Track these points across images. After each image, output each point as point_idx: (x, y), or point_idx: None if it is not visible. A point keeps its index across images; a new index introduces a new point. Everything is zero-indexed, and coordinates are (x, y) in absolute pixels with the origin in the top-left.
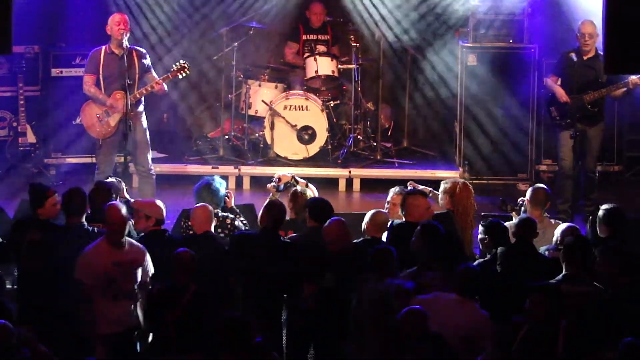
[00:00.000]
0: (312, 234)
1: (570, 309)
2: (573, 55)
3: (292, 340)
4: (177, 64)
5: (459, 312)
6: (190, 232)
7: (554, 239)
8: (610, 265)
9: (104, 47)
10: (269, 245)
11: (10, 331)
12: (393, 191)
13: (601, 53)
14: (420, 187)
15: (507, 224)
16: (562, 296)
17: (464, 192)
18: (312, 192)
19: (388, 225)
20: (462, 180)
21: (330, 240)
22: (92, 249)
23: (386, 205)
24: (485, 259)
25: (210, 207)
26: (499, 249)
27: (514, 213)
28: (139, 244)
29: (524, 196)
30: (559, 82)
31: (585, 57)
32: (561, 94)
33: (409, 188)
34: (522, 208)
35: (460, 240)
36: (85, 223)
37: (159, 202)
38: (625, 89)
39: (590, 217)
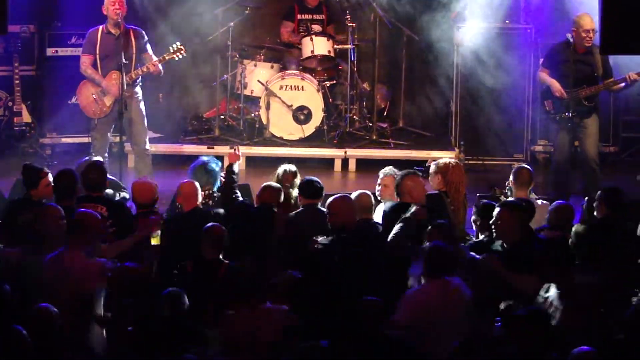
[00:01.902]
0: (305, 211)
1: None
2: (567, 49)
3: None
4: (174, 45)
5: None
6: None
7: (546, 217)
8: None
9: (101, 27)
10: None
11: None
12: (383, 172)
13: (596, 45)
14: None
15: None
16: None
17: (456, 172)
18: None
19: (384, 207)
20: (454, 160)
21: (332, 212)
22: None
23: (377, 187)
24: (479, 239)
25: (196, 183)
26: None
27: (502, 197)
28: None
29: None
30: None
31: (580, 52)
32: (557, 88)
33: (428, 164)
34: (510, 191)
35: (450, 220)
36: (76, 205)
37: (143, 184)
38: (623, 84)
39: (587, 198)
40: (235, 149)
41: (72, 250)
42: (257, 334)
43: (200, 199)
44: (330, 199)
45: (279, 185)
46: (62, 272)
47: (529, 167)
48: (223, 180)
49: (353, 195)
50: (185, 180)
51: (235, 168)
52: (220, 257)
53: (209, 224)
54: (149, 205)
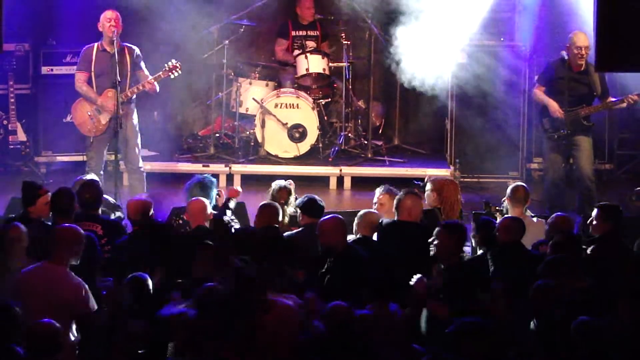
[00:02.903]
0: (306, 231)
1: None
2: (562, 66)
3: None
4: (169, 63)
5: None
6: (182, 230)
7: (545, 229)
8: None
9: (96, 44)
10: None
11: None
12: (379, 190)
13: (592, 64)
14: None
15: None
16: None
17: (451, 190)
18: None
19: (382, 224)
20: (449, 177)
21: (323, 233)
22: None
23: (374, 205)
24: (477, 255)
25: (206, 201)
26: (489, 253)
27: (497, 214)
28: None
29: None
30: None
31: (576, 70)
32: (555, 108)
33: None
34: (505, 209)
35: None
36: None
37: (138, 201)
38: (623, 105)
39: (583, 216)
40: (239, 189)
41: (53, 264)
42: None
43: (207, 217)
44: (321, 219)
45: (277, 205)
46: (41, 286)
47: (524, 184)
48: (213, 212)
49: (360, 213)
50: (194, 198)
51: (232, 204)
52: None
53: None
54: (144, 222)
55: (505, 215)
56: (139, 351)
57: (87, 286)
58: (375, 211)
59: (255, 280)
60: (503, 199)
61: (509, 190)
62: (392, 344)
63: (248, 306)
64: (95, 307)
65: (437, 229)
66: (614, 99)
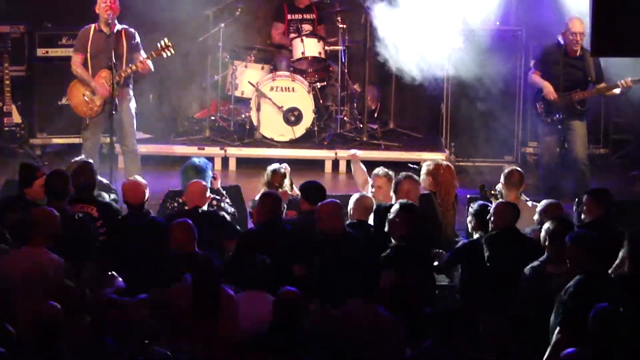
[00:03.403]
0: (306, 217)
1: (556, 289)
2: (557, 51)
3: None
4: (162, 42)
5: None
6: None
7: (535, 216)
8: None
9: (93, 26)
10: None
11: None
12: (376, 173)
13: (588, 50)
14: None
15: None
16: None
17: (447, 174)
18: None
19: (374, 208)
20: (445, 161)
21: (321, 217)
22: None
23: (370, 188)
24: (472, 239)
25: (205, 183)
26: (484, 238)
27: (492, 198)
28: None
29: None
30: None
31: (571, 55)
32: (550, 90)
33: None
34: (500, 193)
35: (439, 221)
36: (69, 207)
37: (133, 184)
38: (617, 90)
39: (577, 200)
40: (214, 175)
41: (31, 247)
42: None
43: (205, 201)
44: (320, 204)
45: (278, 196)
46: (22, 270)
47: (519, 169)
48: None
49: (355, 197)
50: (194, 180)
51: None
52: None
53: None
54: (139, 203)
55: (500, 200)
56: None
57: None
58: (369, 195)
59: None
60: (498, 184)
61: (503, 175)
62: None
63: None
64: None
65: (395, 207)
66: (607, 85)
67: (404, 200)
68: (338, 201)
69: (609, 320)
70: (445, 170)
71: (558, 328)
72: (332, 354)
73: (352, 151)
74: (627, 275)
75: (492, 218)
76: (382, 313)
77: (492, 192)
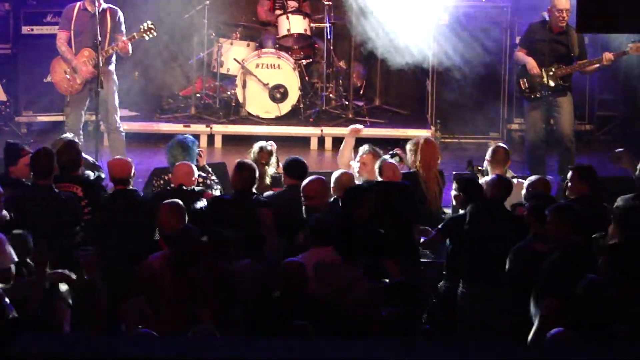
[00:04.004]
0: (289, 192)
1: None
2: (543, 28)
3: None
4: (144, 25)
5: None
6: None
7: (522, 192)
8: (561, 225)
9: (78, 4)
10: (242, 208)
11: None
12: (363, 150)
13: (572, 27)
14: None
15: (481, 181)
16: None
17: (427, 148)
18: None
19: (363, 184)
20: (426, 137)
21: (310, 196)
22: None
23: (356, 165)
24: (458, 214)
25: (193, 166)
26: (469, 206)
27: (479, 174)
28: None
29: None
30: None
31: (556, 31)
32: (533, 65)
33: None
34: (486, 170)
35: (422, 198)
36: (53, 185)
37: (119, 159)
38: (597, 65)
39: (562, 176)
40: (200, 152)
41: None
42: None
43: (191, 182)
44: (306, 182)
45: (254, 165)
46: None
47: (504, 145)
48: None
49: (334, 175)
50: (182, 162)
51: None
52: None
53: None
54: (125, 179)
55: (496, 174)
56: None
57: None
58: (349, 171)
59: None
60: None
61: (489, 152)
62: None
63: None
64: (15, 259)
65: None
66: (589, 60)
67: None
68: (323, 178)
69: (600, 291)
70: (425, 144)
71: (537, 308)
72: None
73: (359, 126)
74: (617, 245)
75: (485, 188)
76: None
77: (479, 167)
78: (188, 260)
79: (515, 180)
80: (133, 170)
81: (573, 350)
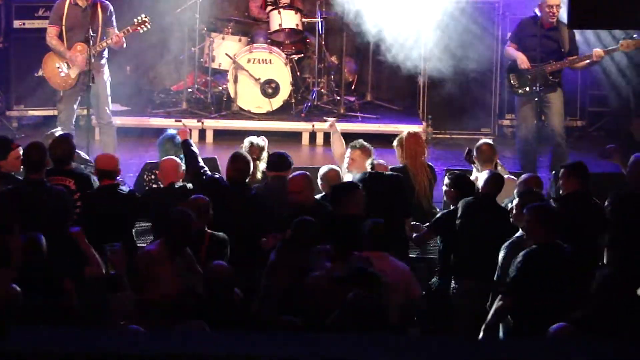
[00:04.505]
0: (273, 184)
1: None
2: (534, 24)
3: None
4: (138, 18)
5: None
6: (154, 186)
7: (515, 190)
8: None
9: None
10: (238, 197)
11: None
12: (352, 146)
13: (563, 22)
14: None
15: (475, 175)
16: None
17: (411, 140)
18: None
19: (353, 178)
20: (412, 130)
21: (294, 190)
22: None
23: (346, 160)
24: (450, 210)
25: (178, 160)
26: (460, 202)
27: (475, 165)
28: None
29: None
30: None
31: (546, 27)
32: (523, 59)
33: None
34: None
35: (411, 191)
36: (45, 179)
37: (105, 154)
38: (588, 61)
39: (553, 173)
40: (182, 125)
41: None
42: None
43: (179, 176)
44: (290, 177)
45: (248, 157)
46: None
47: (489, 141)
48: (185, 155)
49: (321, 171)
50: (167, 157)
51: (191, 142)
52: (206, 227)
53: (194, 196)
54: (111, 172)
55: (489, 170)
56: None
57: None
58: (335, 166)
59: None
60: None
61: (475, 151)
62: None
63: None
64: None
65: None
66: (579, 56)
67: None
68: (307, 173)
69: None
70: (410, 137)
71: (502, 294)
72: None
73: (330, 120)
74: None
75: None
76: None
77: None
78: None
79: (506, 176)
80: (119, 166)
81: (573, 348)
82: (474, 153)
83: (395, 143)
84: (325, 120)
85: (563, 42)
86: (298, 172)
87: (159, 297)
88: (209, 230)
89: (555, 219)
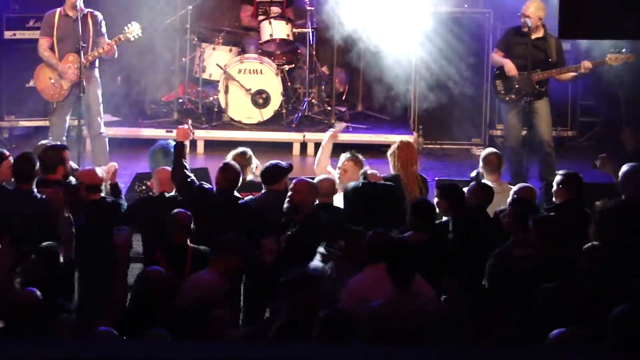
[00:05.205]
0: (268, 196)
1: (522, 272)
2: (521, 33)
3: (250, 301)
4: (129, 26)
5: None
6: (144, 195)
7: (509, 199)
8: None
9: (58, 10)
10: (226, 205)
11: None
12: (345, 157)
13: (551, 34)
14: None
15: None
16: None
17: (404, 150)
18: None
19: (346, 188)
20: (405, 140)
21: (294, 189)
22: None
23: (337, 171)
24: (442, 221)
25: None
26: (451, 215)
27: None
28: None
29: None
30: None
31: (533, 37)
32: (511, 67)
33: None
34: (482, 175)
35: (407, 201)
36: (35, 190)
37: (89, 169)
38: (575, 73)
39: (545, 183)
40: (187, 125)
41: None
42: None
43: (172, 187)
44: (297, 179)
45: (238, 167)
46: None
47: (496, 151)
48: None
49: (315, 180)
50: (161, 167)
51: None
52: (188, 242)
53: (175, 210)
54: (96, 186)
55: (475, 182)
56: None
57: None
58: (330, 177)
59: None
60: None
61: (482, 160)
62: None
63: None
64: None
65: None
66: (567, 67)
67: None
68: (315, 183)
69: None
70: (402, 146)
71: None
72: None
73: (339, 126)
74: (596, 247)
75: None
76: None
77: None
78: None
79: (510, 185)
80: (102, 180)
81: (573, 354)
82: (480, 162)
83: (389, 152)
84: (333, 124)
85: (550, 52)
86: (306, 177)
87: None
88: (192, 245)
89: (561, 230)
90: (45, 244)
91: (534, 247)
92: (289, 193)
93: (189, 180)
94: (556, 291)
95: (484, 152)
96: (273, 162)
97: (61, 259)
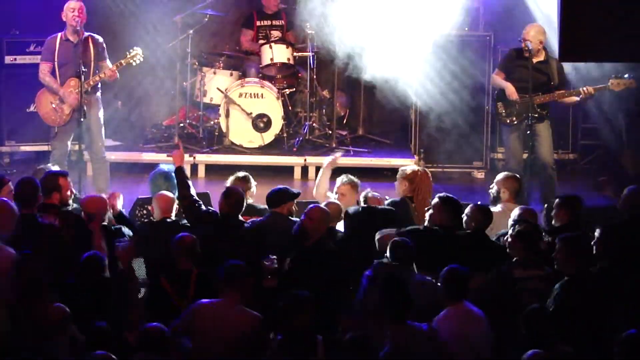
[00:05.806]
0: (272, 219)
1: (525, 292)
2: (522, 55)
3: None
4: (131, 50)
5: None
6: (145, 220)
7: (510, 221)
8: (571, 255)
9: (59, 34)
10: (232, 232)
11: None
12: (341, 181)
13: (552, 56)
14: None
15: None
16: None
17: (424, 179)
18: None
19: (349, 212)
20: (422, 167)
21: (308, 216)
22: None
23: (334, 195)
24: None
25: (173, 195)
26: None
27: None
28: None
29: (490, 184)
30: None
31: (534, 60)
32: (512, 90)
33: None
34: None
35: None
36: (38, 215)
37: (93, 196)
38: (577, 98)
39: (546, 205)
40: (179, 145)
41: None
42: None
43: (173, 213)
44: (312, 205)
45: (241, 192)
46: None
47: (515, 174)
48: (177, 183)
49: (322, 205)
50: (162, 192)
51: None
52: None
53: (180, 234)
54: (98, 215)
55: (472, 204)
56: None
57: None
58: (337, 201)
59: None
60: (491, 186)
61: (503, 183)
62: None
63: None
64: None
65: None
66: (568, 90)
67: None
68: (328, 211)
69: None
70: (423, 175)
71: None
72: None
73: (337, 154)
74: (596, 272)
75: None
76: None
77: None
78: None
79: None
80: (107, 208)
81: None
82: (501, 187)
83: (400, 175)
84: (334, 148)
85: (552, 75)
86: (321, 205)
87: None
88: (196, 269)
89: (587, 249)
90: None
91: (538, 267)
92: (302, 218)
93: (196, 205)
94: (540, 312)
95: (504, 177)
96: (282, 186)
97: None
